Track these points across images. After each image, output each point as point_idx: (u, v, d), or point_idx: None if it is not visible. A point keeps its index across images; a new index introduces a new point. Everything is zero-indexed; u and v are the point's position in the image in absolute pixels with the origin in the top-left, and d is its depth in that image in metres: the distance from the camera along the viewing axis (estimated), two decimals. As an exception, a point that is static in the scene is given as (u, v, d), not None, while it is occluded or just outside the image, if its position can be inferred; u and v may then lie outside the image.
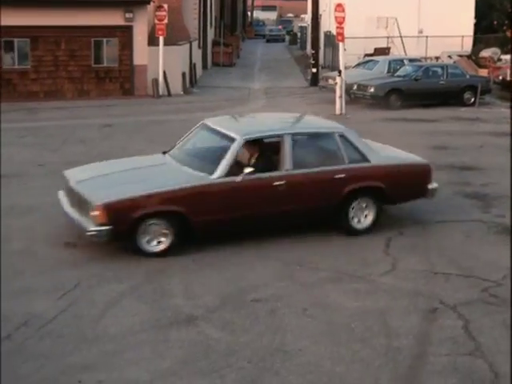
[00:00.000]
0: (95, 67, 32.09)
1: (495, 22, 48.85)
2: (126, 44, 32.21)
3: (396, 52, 41.21)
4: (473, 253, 11.05)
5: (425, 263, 10.52)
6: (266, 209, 11.08)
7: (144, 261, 10.46)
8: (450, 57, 39.24)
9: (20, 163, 17.92)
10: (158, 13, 32.65)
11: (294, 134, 11.65)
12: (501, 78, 34.03)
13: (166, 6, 32.84)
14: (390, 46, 42.44)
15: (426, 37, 42.12)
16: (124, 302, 9.06)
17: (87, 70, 31.99)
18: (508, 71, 32.43)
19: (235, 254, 10.85)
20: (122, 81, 32.41)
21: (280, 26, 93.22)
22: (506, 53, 38.80)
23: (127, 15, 31.82)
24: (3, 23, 30.09)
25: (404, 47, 41.30)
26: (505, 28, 46.50)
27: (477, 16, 46.10)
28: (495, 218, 12.96)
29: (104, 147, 20.03)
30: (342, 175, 11.48)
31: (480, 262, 10.61)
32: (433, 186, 12.60)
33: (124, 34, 32.10)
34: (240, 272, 10.14)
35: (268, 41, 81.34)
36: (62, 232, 11.92)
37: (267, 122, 13.45)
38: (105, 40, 32.10)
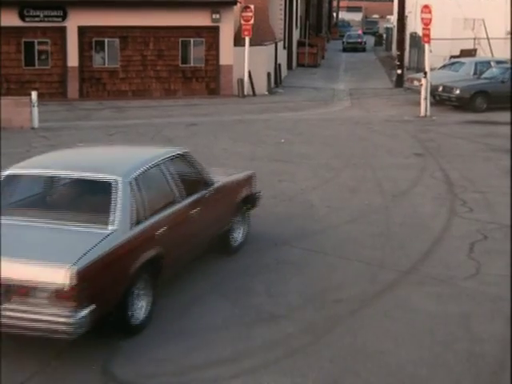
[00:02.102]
0: (182, 67, 32.74)
1: None
2: (213, 44, 32.76)
3: (482, 54, 40.83)
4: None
5: (509, 268, 10.39)
6: None
7: (227, 260, 10.81)
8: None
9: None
10: (244, 13, 33.09)
11: None
12: None
13: (252, 6, 33.25)
14: (476, 47, 42.04)
15: (514, 39, 41.62)
16: (207, 298, 9.30)
17: (174, 69, 32.67)
18: None
19: (318, 254, 11.09)
20: (208, 80, 32.99)
21: (360, 31, 78.77)
22: None
23: (214, 16, 32.35)
24: (94, 23, 31.05)
25: (491, 49, 40.87)
26: None
27: None
28: None
29: (190, 145, 20.44)
30: None
31: None
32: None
33: (211, 34, 32.66)
34: (322, 272, 10.31)
35: (345, 50, 67.00)
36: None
37: None
38: (192, 40, 32.73)
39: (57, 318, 7.29)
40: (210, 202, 10.27)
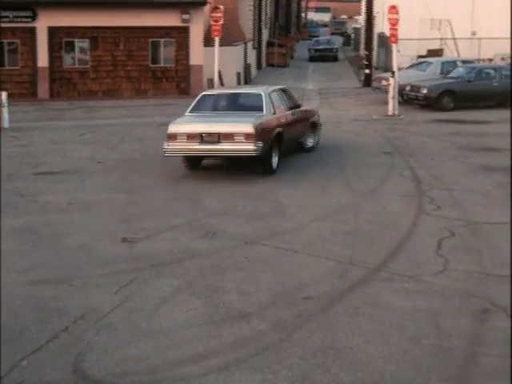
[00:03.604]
0: (152, 67, 32.81)
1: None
2: (183, 44, 32.86)
3: (449, 54, 41.25)
4: (525, 254, 11.17)
5: (476, 264, 10.59)
6: None
7: (199, 257, 10.86)
8: (503, 58, 39.13)
9: (79, 160, 18.50)
10: (213, 14, 33.10)
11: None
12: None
13: (221, 7, 33.29)
14: (443, 47, 42.45)
15: (479, 38, 42.07)
16: (179, 297, 9.34)
17: (144, 69, 32.73)
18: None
19: (288, 252, 11.17)
20: (179, 80, 33.09)
21: (330, 34, 71.22)
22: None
23: (184, 16, 32.45)
24: (64, 24, 30.96)
25: (457, 49, 41.29)
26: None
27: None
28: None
29: (160, 145, 20.54)
30: None
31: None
32: None
33: (181, 34, 32.77)
34: (292, 270, 10.36)
35: (312, 59, 57.46)
36: (118, 228, 12.47)
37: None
38: (162, 40, 32.82)
39: (249, 146, 15.60)
40: (299, 114, 18.87)
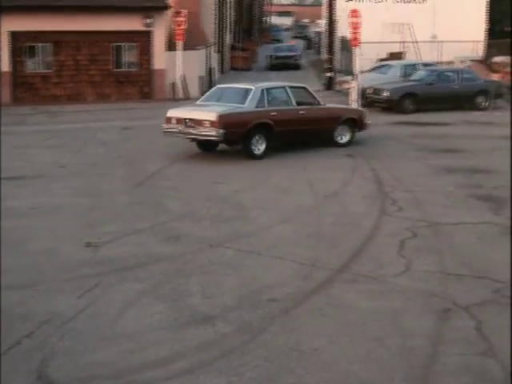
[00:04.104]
0: (115, 71, 32.73)
1: (507, 28, 49.17)
2: (146, 49, 32.82)
3: (410, 57, 41.62)
4: (485, 254, 11.22)
5: (438, 264, 10.71)
6: None
7: (163, 261, 10.86)
8: (463, 61, 39.58)
9: (43, 164, 18.40)
10: (176, 18, 33.18)
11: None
12: (513, 82, 34.38)
13: (184, 11, 33.37)
14: (404, 50, 42.83)
15: (440, 42, 42.52)
16: (143, 301, 9.33)
17: (107, 74, 32.64)
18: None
19: (252, 255, 11.22)
20: (142, 85, 33.03)
21: (292, 41, 66.13)
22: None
23: (146, 21, 32.44)
24: (27, 28, 30.77)
25: (418, 52, 41.67)
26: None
27: (489, 22, 46.48)
28: (507, 220, 13.16)
29: (124, 149, 20.54)
30: None
31: (492, 263, 10.78)
32: None
33: (143, 38, 32.72)
34: (256, 273, 10.40)
35: (272, 67, 52.93)
36: (82, 232, 12.41)
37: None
38: (125, 45, 32.71)
39: (213, 132, 17.89)
40: (315, 110, 20.38)
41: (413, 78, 30.84)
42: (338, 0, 42.07)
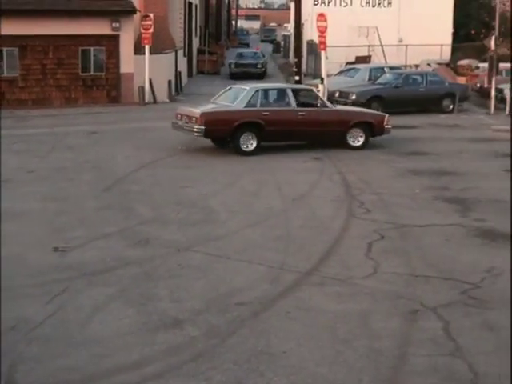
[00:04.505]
0: (82, 75, 32.52)
1: (472, 32, 49.64)
2: (113, 52, 32.65)
3: (377, 60, 41.86)
4: (452, 256, 11.35)
5: (406, 266, 10.82)
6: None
7: (131, 266, 10.86)
8: (429, 65, 39.89)
9: (9, 169, 18.21)
10: (143, 22, 33.09)
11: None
12: (478, 85, 34.71)
13: (151, 15, 33.30)
14: (370, 54, 43.08)
15: (406, 45, 42.84)
16: (112, 305, 9.34)
17: (74, 78, 32.41)
18: (485, 79, 33.07)
19: (220, 258, 11.23)
20: (109, 88, 32.85)
21: (257, 48, 57.83)
22: (483, 61, 39.54)
23: (114, 25, 32.27)
24: (-9, 32, 30.50)
25: (384, 55, 41.95)
26: (482, 37, 47.26)
27: (455, 25, 46.92)
28: (474, 221, 13.36)
29: (91, 154, 20.45)
30: None
31: (459, 264, 10.92)
32: None
33: (111, 42, 32.55)
34: (224, 276, 10.42)
35: (233, 76, 46.50)
36: (50, 237, 12.34)
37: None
38: (92, 49, 32.54)
39: (196, 127, 19.41)
40: (319, 112, 20.82)
41: (379, 81, 31.02)
42: (305, 4, 42.12)
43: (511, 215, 13.41)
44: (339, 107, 22.51)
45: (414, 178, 17.13)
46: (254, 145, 20.05)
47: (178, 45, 39.45)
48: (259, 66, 47.94)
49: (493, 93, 29.98)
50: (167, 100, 33.72)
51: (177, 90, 36.89)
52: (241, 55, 51.04)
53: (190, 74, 45.44)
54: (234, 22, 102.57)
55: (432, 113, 29.62)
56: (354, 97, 28.98)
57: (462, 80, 36.27)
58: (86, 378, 7.42)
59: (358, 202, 14.69)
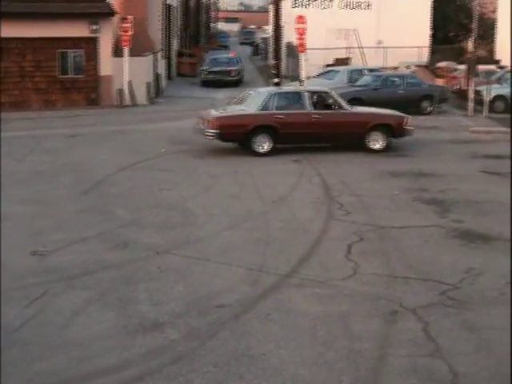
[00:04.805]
0: (61, 78, 32.42)
1: (451, 34, 49.92)
2: (92, 55, 32.57)
3: (356, 62, 41.99)
4: (431, 257, 11.39)
5: (385, 268, 10.85)
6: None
7: (110, 269, 10.83)
8: (408, 67, 40.05)
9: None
10: (122, 24, 33.00)
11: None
12: (457, 87, 34.89)
13: (130, 17, 33.22)
14: (350, 56, 43.20)
15: (385, 47, 42.99)
16: (91, 309, 9.31)
17: (53, 80, 32.30)
18: (463, 81, 33.26)
19: (200, 261, 11.22)
20: (88, 91, 32.76)
21: (233, 53, 51.89)
22: (461, 63, 39.76)
23: (92, 27, 32.19)
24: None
25: (364, 58, 42.07)
26: (460, 39, 47.57)
27: (433, 28, 47.14)
28: (452, 223, 13.42)
29: (70, 157, 20.38)
30: None
31: (438, 265, 10.96)
32: None
33: (89, 45, 32.47)
34: (204, 279, 10.42)
35: (205, 83, 44.17)
36: (28, 240, 12.28)
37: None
38: (70, 51, 32.43)
39: (210, 131, 20.28)
40: (336, 115, 20.96)
41: (359, 83, 31.11)
42: (284, 6, 42.21)
43: (511, 217, 13.49)
44: (357, 109, 22.38)
45: (393, 180, 17.18)
46: (269, 147, 20.47)
47: (158, 47, 39.38)
48: (233, 73, 44.63)
49: (471, 95, 30.13)
50: (146, 102, 33.66)
51: (156, 92, 36.82)
52: (214, 61, 46.66)
53: (169, 77, 45.36)
54: (213, 25, 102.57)
55: (411, 114, 29.53)
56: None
57: (440, 82, 36.41)
58: (65, 382, 7.38)
59: (337, 204, 14.71)
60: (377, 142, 21.16)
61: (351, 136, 21.19)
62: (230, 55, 48.72)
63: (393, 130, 21.28)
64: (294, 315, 9.05)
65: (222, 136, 20.36)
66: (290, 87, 24.11)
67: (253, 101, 21.25)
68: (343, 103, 21.48)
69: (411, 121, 21.71)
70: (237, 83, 43.56)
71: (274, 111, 20.66)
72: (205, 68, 45.23)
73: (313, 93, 21.61)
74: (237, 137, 20.75)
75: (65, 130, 25.61)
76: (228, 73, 44.26)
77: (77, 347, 8.12)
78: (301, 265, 10.95)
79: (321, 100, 21.42)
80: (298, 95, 21.42)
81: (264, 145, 20.46)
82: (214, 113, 21.33)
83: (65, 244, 12.02)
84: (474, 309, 9.26)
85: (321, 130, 20.72)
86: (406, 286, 10.10)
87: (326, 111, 21.08)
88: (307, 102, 20.93)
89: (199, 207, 14.61)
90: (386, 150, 21.05)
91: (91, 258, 11.30)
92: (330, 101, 21.42)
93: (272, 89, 22.72)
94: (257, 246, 11.95)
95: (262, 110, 20.68)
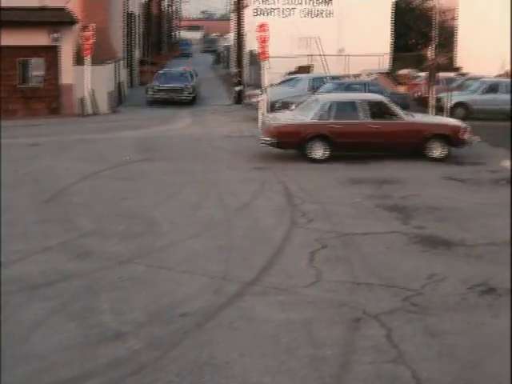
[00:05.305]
0: (21, 87, 32.15)
1: (412, 42, 50.36)
2: (53, 64, 32.33)
3: (318, 70, 42.16)
4: (394, 263, 11.46)
5: (348, 274, 10.90)
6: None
7: (72, 279, 10.75)
8: (369, 74, 40.28)
9: None
10: (84, 33, 32.80)
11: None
12: (418, 94, 35.16)
13: (92, 25, 33.02)
14: (312, 64, 43.36)
15: (347, 55, 43.25)
16: (53, 319, 9.22)
17: (13, 89, 32.02)
18: (424, 88, 33.52)
19: (163, 269, 11.20)
20: (49, 100, 32.50)
21: (186, 67, 42.02)
22: (422, 70, 40.10)
23: (53, 35, 31.96)
24: None
25: (325, 65, 42.26)
26: (420, 47, 47.99)
27: (394, 35, 47.53)
28: (415, 229, 13.50)
29: (31, 166, 20.20)
30: None
31: (401, 272, 11.03)
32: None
33: (50, 53, 32.23)
34: (167, 288, 10.40)
35: (151, 102, 37.37)
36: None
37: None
38: (31, 60, 32.19)
39: (268, 139, 20.90)
40: (391, 124, 21.05)
41: (321, 90, 31.18)
42: (246, 14, 42.39)
43: (511, 225, 13.58)
44: (414, 118, 22.16)
45: (356, 187, 17.25)
46: (324, 154, 20.72)
47: (119, 55, 39.22)
48: (186, 92, 37.74)
49: (432, 102, 30.37)
50: (108, 111, 33.48)
51: (118, 101, 36.65)
52: (164, 76, 39.44)
53: (131, 85, 45.21)
54: (175, 33, 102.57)
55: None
56: (295, 107, 29.08)
57: (401, 89, 36.69)
58: (26, 394, 7.31)
59: (300, 212, 14.74)
60: (436, 151, 21.05)
61: (408, 146, 21.15)
62: (184, 69, 41.09)
63: (449, 140, 21.15)
64: (258, 323, 9.05)
65: (278, 144, 20.90)
66: (345, 95, 24.71)
67: (309, 109, 21.59)
68: (399, 112, 21.50)
69: (469, 130, 21.49)
70: (190, 103, 37.70)
71: (329, 120, 20.91)
72: (153, 85, 38.27)
73: (369, 102, 21.65)
74: (293, 145, 21.09)
75: (26, 139, 25.38)
76: (181, 90, 37.76)
77: (39, 359, 8.05)
78: (264, 272, 10.95)
79: (377, 109, 21.47)
80: (354, 104, 21.38)
81: (320, 152, 20.73)
82: (271, 121, 21.81)
83: (26, 254, 11.90)
84: (436, 314, 9.33)
85: (377, 139, 20.80)
86: (369, 292, 10.15)
87: (382, 121, 21.14)
88: (363, 111, 21.08)
89: (162, 216, 14.55)
90: (446, 158, 20.89)
91: (53, 268, 11.19)
92: (386, 110, 21.52)
93: (329, 97, 22.98)
94: (220, 254, 11.93)
95: (317, 118, 21.01)
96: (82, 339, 8.58)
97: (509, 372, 7.73)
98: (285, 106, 29.44)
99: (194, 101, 38.09)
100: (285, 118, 22.28)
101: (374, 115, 21.09)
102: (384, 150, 21.11)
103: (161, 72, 41.04)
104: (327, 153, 20.67)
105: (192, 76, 39.83)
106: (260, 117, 27.04)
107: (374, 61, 43.85)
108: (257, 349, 8.30)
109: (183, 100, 37.39)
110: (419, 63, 43.90)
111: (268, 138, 20.82)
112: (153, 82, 38.61)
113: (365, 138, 20.78)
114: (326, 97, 23.10)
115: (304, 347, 8.34)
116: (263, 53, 28.15)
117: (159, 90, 37.63)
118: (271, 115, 23.50)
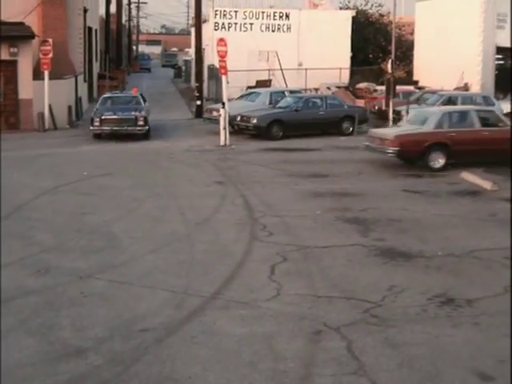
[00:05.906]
0: (-22, 102, 31.86)
1: (370, 55, 50.74)
2: (11, 78, 32.06)
3: (277, 84, 42.34)
4: (354, 276, 11.54)
5: (309, 287, 10.94)
6: None
7: (30, 295, 10.66)
8: (328, 88, 40.55)
9: None
10: (42, 47, 32.63)
11: None
12: (376, 107, 35.47)
13: (50, 40, 32.86)
14: (271, 78, 43.53)
15: (306, 69, 43.48)
16: (12, 336, 9.12)
17: (-29, 104, 31.73)
18: (383, 101, 33.83)
19: (123, 285, 11.15)
20: (7, 115, 32.21)
21: (134, 90, 33.58)
22: (381, 84, 40.45)
23: (11, 50, 31.72)
24: None
25: (285, 79, 42.45)
26: (379, 61, 48.40)
27: (353, 49, 47.88)
28: (374, 241, 13.60)
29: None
30: None
31: (361, 284, 11.11)
32: None
33: (8, 68, 31.94)
34: (127, 303, 10.36)
35: (96, 135, 29.24)
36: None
37: None
38: (-12, 74, 31.91)
39: (389, 149, 21.72)
40: (502, 132, 22.20)
41: (280, 105, 31.36)
42: (206, 29, 42.51)
43: (511, 233, 13.76)
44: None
45: (316, 200, 17.35)
46: (442, 162, 21.68)
47: (78, 70, 39.05)
48: (140, 121, 28.94)
49: (390, 115, 30.68)
50: (67, 126, 33.27)
51: (77, 115, 36.47)
52: (110, 101, 31.30)
53: (90, 100, 45.01)
54: (135, 47, 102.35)
55: (332, 135, 30.09)
56: (255, 121, 29.23)
57: (360, 103, 36.98)
58: (-14, 412, 7.24)
59: (260, 225, 14.78)
60: None
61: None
62: (133, 92, 33.31)
63: None
64: (219, 337, 9.05)
65: (401, 153, 21.79)
66: (460, 107, 26.20)
67: (425, 119, 22.46)
68: (508, 121, 23.04)
69: None
70: (146, 135, 29.48)
71: (447, 129, 22.01)
72: (98, 113, 29.54)
73: (481, 111, 23.29)
74: (414, 154, 21.93)
75: (-17, 154, 25.11)
76: (134, 121, 29.05)
77: (-3, 376, 7.97)
78: (225, 286, 10.96)
79: (487, 118, 22.89)
80: (467, 114, 22.75)
81: (438, 161, 21.66)
82: (390, 132, 22.84)
83: (-16, 271, 11.78)
84: (396, 326, 9.40)
85: (490, 146, 21.87)
86: (330, 305, 10.20)
87: (494, 129, 22.47)
88: (476, 120, 22.38)
89: (122, 230, 14.50)
90: None
91: (12, 284, 11.08)
92: (496, 119, 23.05)
93: (445, 108, 24.34)
94: (181, 268, 11.92)
95: (436, 127, 22.01)
96: (42, 356, 8.51)
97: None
98: (245, 120, 29.50)
99: (149, 133, 29.72)
100: (401, 128, 23.10)
101: (485, 124, 22.55)
102: (499, 158, 21.80)
103: (106, 96, 32.52)
104: (444, 161, 21.69)
105: (144, 99, 32.44)
106: (222, 131, 27.09)
107: (334, 74, 44.15)
108: (219, 363, 8.31)
109: (137, 132, 29.15)
110: (378, 77, 44.27)
111: (392, 149, 21.56)
112: (97, 110, 30.04)
113: (480, 145, 21.85)
114: (442, 108, 24.68)
115: (266, 361, 8.36)
116: (222, 67, 28.21)
117: (104, 121, 29.04)
118: (378, 130, 24.40)
